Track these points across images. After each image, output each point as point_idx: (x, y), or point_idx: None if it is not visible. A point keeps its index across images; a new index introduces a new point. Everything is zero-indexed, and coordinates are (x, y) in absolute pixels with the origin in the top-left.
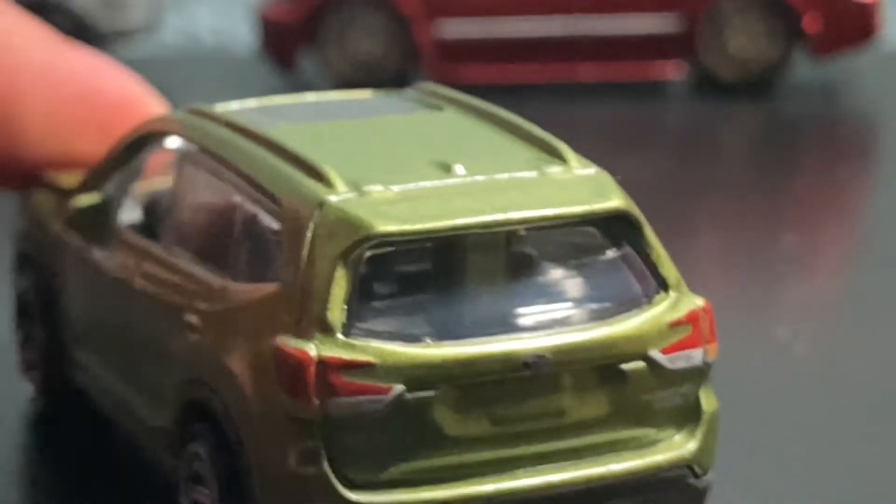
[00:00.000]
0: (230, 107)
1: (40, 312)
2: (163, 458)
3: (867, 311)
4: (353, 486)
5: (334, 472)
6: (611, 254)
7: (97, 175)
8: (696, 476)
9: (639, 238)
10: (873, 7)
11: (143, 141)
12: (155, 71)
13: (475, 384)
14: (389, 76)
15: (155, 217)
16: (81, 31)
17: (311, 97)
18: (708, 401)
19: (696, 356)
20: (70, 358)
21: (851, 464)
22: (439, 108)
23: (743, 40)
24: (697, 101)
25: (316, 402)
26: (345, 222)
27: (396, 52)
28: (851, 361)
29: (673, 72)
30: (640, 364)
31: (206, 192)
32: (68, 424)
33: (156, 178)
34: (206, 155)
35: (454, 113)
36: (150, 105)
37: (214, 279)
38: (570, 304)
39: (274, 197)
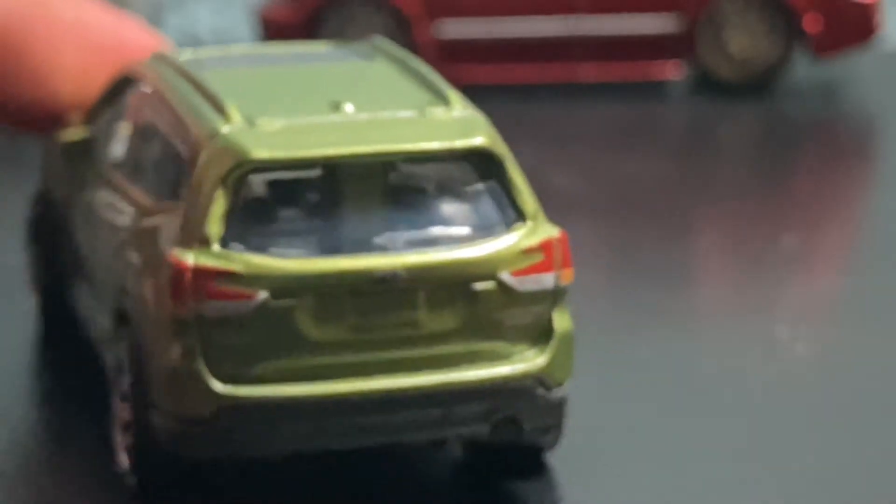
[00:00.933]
0: (192, 54)
1: (42, 239)
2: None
3: (867, 311)
4: (223, 379)
5: (207, 366)
6: (475, 186)
7: (88, 114)
8: (548, 389)
9: (502, 173)
10: (874, 7)
11: (123, 84)
12: None
13: (334, 295)
14: None
15: (121, 156)
16: None
17: (270, 47)
18: (561, 321)
19: (546, 280)
20: (66, 283)
21: (851, 463)
22: (371, 59)
23: (743, 40)
24: (697, 101)
25: (191, 304)
26: (227, 149)
27: None
28: (851, 361)
29: (673, 72)
30: (490, 284)
31: (152, 127)
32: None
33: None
34: (155, 95)
35: (381, 64)
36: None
37: (145, 201)
38: (431, 228)
39: (188, 129)
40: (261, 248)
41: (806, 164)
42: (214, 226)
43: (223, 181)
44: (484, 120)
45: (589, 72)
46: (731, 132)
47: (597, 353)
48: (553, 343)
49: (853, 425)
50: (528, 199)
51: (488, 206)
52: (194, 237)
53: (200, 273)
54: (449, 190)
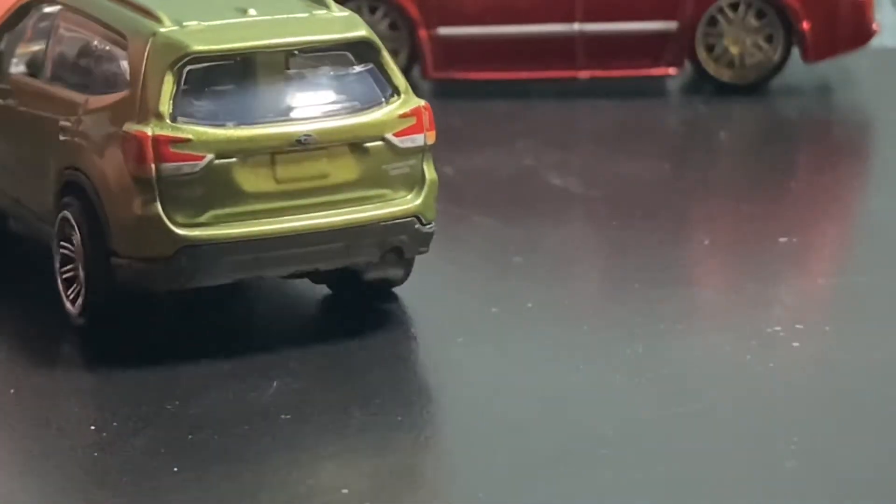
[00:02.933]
0: None
1: None
2: (47, 232)
3: (864, 310)
4: (180, 225)
5: (165, 215)
6: (359, 69)
7: None
8: (423, 224)
9: (379, 58)
10: (870, 8)
11: (26, 8)
12: None
13: (263, 155)
14: None
15: (34, 65)
16: None
17: None
18: (429, 172)
19: (418, 139)
20: None
21: (847, 462)
22: None
23: (741, 41)
24: (696, 101)
25: (152, 166)
26: (171, 44)
27: (397, 51)
28: (849, 360)
29: (672, 72)
30: (379, 143)
31: (76, 38)
32: None
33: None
34: (73, 12)
35: None
36: None
37: (80, 95)
38: (330, 102)
39: (121, 34)
40: (202, 121)
41: (803, 163)
42: (165, 105)
43: (170, 69)
44: (359, 18)
45: (589, 72)
46: (729, 132)
47: (595, 352)
48: (425, 189)
49: (852, 424)
50: (399, 78)
51: (371, 84)
52: (150, 114)
53: (160, 141)
54: (339, 72)
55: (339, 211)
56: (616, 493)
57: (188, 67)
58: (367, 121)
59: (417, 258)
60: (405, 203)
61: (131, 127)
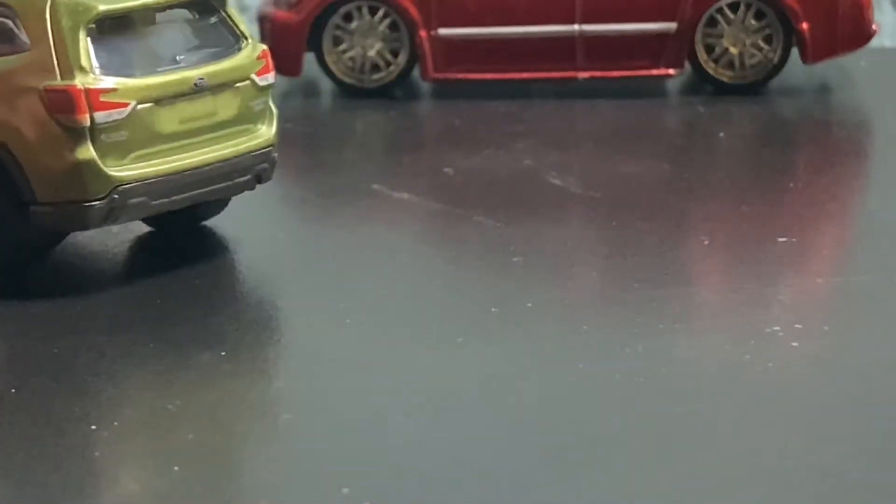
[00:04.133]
0: None
1: None
2: None
3: (863, 309)
4: (109, 167)
5: (101, 160)
6: (214, 20)
7: None
8: (275, 152)
9: (226, 10)
10: (870, 9)
11: None
12: None
13: (172, 98)
14: (389, 76)
15: None
16: None
17: None
18: (274, 107)
19: (270, 77)
20: None
21: (847, 461)
22: None
23: (741, 42)
24: (696, 101)
25: (86, 115)
26: (77, 5)
27: (397, 52)
28: (847, 360)
29: (671, 73)
30: (247, 83)
31: None
32: None
33: None
34: None
35: None
36: None
37: None
38: (204, 49)
39: (5, 3)
40: (118, 73)
41: (802, 163)
42: (86, 59)
43: (84, 29)
44: None
45: (588, 71)
46: (729, 132)
47: (595, 352)
48: (275, 121)
49: (851, 424)
50: (244, 26)
51: (226, 33)
52: (72, 69)
53: (92, 92)
54: (202, 24)
55: (226, 144)
56: (616, 493)
57: (95, 26)
58: (238, 63)
59: (417, 259)
60: (266, 135)
61: (55, 82)
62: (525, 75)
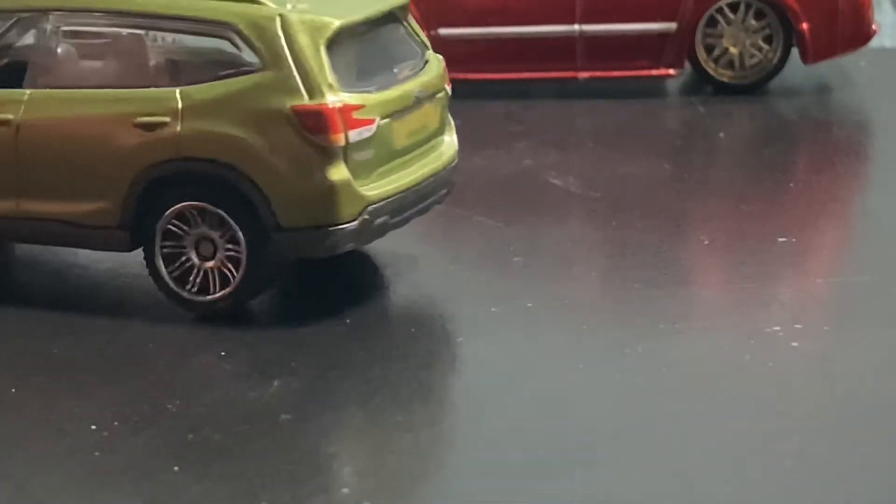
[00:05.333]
0: None
1: None
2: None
3: (863, 310)
4: (359, 186)
5: (354, 180)
6: (404, 32)
7: None
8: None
9: (409, 22)
10: (870, 9)
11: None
12: None
13: (400, 112)
14: None
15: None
16: None
17: None
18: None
19: (449, 88)
20: None
21: (847, 461)
22: None
23: (741, 42)
24: (696, 101)
25: (340, 135)
26: (312, 23)
27: None
28: (847, 360)
29: (672, 73)
30: (443, 93)
31: (117, 39)
32: None
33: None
34: (107, 15)
35: None
36: None
37: (165, 89)
38: (408, 60)
39: (215, 22)
40: (356, 88)
41: (802, 163)
42: (331, 77)
43: (324, 46)
44: None
45: (588, 71)
46: (729, 132)
47: (595, 352)
48: (454, 131)
49: (851, 424)
50: (423, 35)
51: (416, 42)
52: (319, 88)
53: (346, 110)
54: (399, 32)
55: (434, 157)
56: (616, 493)
57: (333, 42)
58: (437, 73)
59: (417, 258)
60: (454, 145)
61: (304, 102)
62: (525, 75)
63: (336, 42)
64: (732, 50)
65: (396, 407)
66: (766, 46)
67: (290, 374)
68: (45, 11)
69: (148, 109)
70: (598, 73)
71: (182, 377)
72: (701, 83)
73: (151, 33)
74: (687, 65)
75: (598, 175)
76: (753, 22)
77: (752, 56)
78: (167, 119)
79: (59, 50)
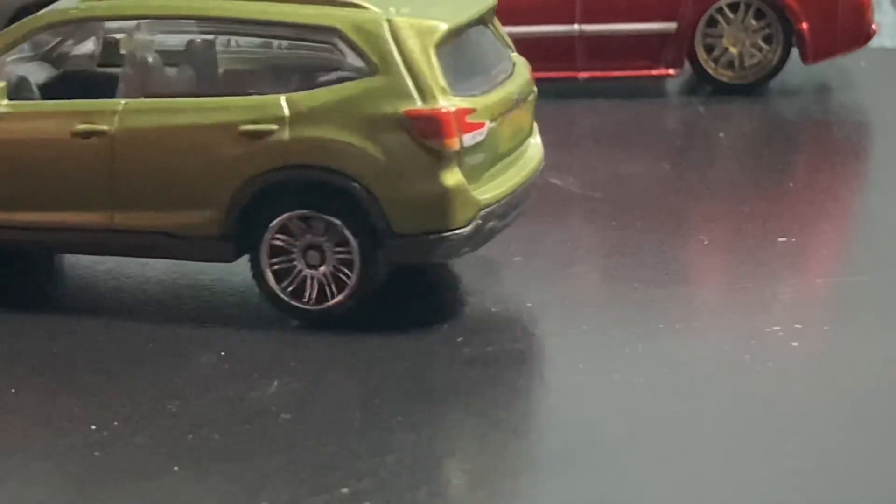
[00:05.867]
0: None
1: None
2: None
3: (862, 309)
4: (473, 191)
5: (468, 184)
6: (491, 33)
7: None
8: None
9: (494, 24)
10: (869, 9)
11: (38, 30)
12: None
13: (503, 115)
14: None
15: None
16: None
17: None
18: None
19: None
20: None
21: (847, 461)
22: None
23: (741, 42)
24: (695, 101)
25: (455, 139)
26: (419, 26)
27: None
28: (847, 360)
29: (671, 73)
30: (533, 94)
31: (216, 46)
32: None
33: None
34: (198, 21)
35: None
36: None
37: (271, 97)
38: (502, 64)
39: (318, 27)
40: (465, 92)
41: (802, 163)
42: (442, 81)
43: (434, 49)
44: None
45: (588, 71)
46: (728, 132)
47: (595, 352)
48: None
49: (851, 423)
50: (507, 37)
51: (501, 45)
52: (432, 92)
53: (460, 114)
54: (490, 39)
55: (528, 159)
56: (616, 493)
57: (441, 45)
58: (527, 75)
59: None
60: (540, 146)
61: (417, 106)
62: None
63: (442, 45)
64: (732, 50)
65: (396, 407)
66: (766, 46)
67: (290, 374)
68: (141, 19)
69: (252, 117)
70: (598, 73)
71: (182, 377)
72: (701, 83)
73: (253, 40)
74: (687, 65)
75: (598, 175)
76: (753, 22)
77: (752, 56)
78: (273, 127)
79: (155, 59)
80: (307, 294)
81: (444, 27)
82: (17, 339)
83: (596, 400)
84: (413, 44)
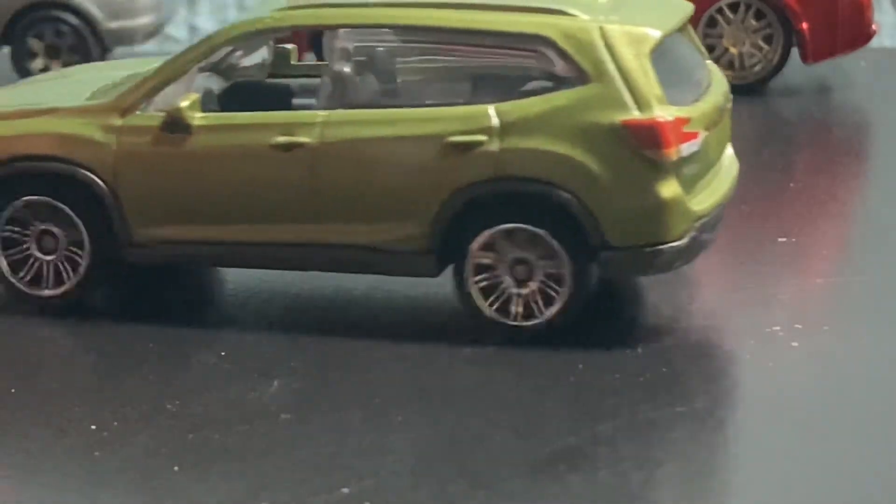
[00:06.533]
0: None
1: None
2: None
3: (862, 308)
4: (689, 202)
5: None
6: (692, 42)
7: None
8: None
9: (691, 29)
10: (869, 9)
11: (232, 41)
12: None
13: (712, 124)
14: None
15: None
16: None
17: None
18: None
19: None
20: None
21: (847, 461)
22: None
23: (741, 42)
24: None
25: (674, 149)
26: (632, 34)
27: None
28: (847, 360)
29: None
30: (730, 103)
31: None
32: None
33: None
34: (415, 31)
35: None
36: None
37: (477, 107)
38: (704, 73)
39: (530, 36)
40: (679, 100)
41: (802, 163)
42: (658, 89)
43: (648, 56)
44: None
45: None
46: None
47: (595, 352)
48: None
49: (851, 423)
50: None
51: (695, 51)
52: (649, 101)
53: (678, 123)
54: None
55: (729, 169)
56: (616, 493)
57: (652, 54)
58: (725, 82)
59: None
60: (733, 153)
61: (634, 116)
62: None
63: (653, 53)
64: (732, 50)
65: (396, 407)
66: (766, 46)
67: (290, 374)
68: (340, 28)
69: (460, 128)
70: None
71: (182, 377)
72: None
73: (457, 49)
74: None
75: None
76: (753, 22)
77: (752, 56)
78: (483, 137)
79: (355, 69)
80: (513, 310)
81: (657, 35)
82: (16, 339)
83: (596, 400)
84: (627, 52)
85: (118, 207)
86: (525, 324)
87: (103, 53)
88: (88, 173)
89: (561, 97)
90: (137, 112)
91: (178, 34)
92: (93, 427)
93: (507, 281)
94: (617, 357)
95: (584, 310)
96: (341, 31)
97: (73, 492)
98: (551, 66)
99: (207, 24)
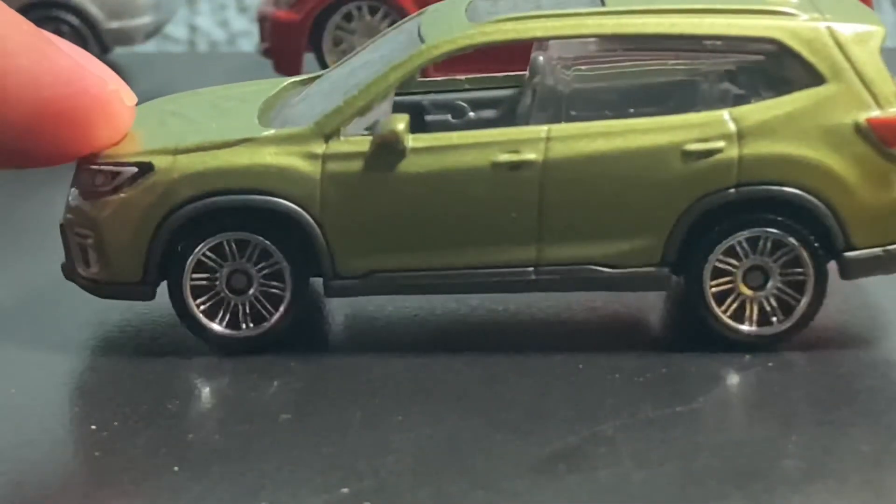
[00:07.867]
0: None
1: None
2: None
3: (864, 310)
4: None
5: None
6: None
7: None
8: None
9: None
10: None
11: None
12: (160, 65)
13: None
14: None
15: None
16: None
17: None
18: None
19: None
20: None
21: (847, 461)
22: None
23: None
24: None
25: None
26: (859, 32)
27: None
28: (847, 359)
29: None
30: None
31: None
32: None
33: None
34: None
35: None
36: (125, 99)
37: (716, 113)
38: None
39: (758, 38)
40: None
41: None
42: (893, 85)
43: (878, 53)
44: None
45: None
46: None
47: (594, 352)
48: None
49: (851, 423)
50: None
51: None
52: (888, 97)
53: None
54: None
55: None
56: (616, 493)
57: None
58: None
59: None
60: None
61: (877, 114)
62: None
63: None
64: None
65: (396, 407)
66: None
67: (290, 374)
68: (553, 39)
69: (696, 136)
70: None
71: (182, 377)
72: None
73: (685, 55)
74: None
75: None
76: None
77: None
78: (721, 144)
79: (574, 80)
80: (747, 316)
81: (882, 31)
82: (16, 339)
83: (596, 400)
84: (860, 50)
85: (324, 238)
86: (764, 332)
87: (103, 53)
88: (292, 205)
89: (798, 99)
90: (340, 138)
91: (179, 34)
92: (93, 427)
93: (743, 288)
94: (617, 357)
95: (585, 310)
96: (552, 42)
97: (74, 492)
98: (781, 68)
99: (207, 24)
